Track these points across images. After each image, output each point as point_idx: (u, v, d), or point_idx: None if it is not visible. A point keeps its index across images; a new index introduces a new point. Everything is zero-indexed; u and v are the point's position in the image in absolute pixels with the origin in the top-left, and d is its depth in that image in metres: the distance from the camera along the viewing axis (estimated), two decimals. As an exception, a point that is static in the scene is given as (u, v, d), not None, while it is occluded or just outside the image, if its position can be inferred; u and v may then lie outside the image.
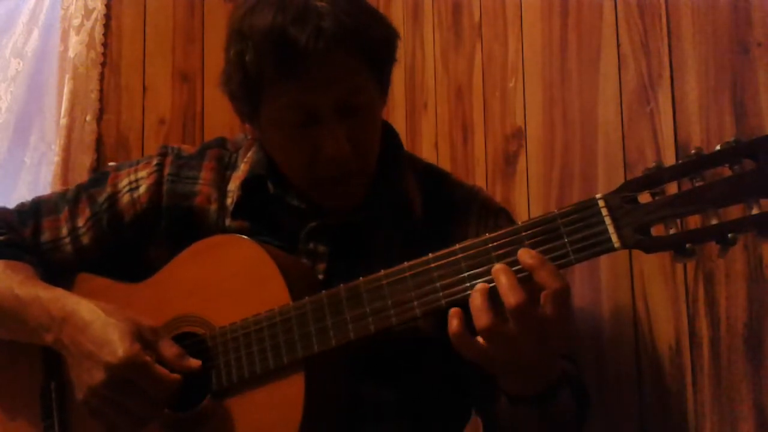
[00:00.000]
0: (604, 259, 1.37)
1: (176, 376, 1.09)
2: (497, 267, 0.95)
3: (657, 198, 0.91)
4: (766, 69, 1.10)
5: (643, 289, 1.29)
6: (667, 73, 1.25)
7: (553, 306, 0.92)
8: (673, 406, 1.23)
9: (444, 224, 1.01)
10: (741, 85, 1.13)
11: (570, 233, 0.94)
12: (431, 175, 1.30)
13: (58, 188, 2.03)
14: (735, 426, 1.13)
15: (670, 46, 1.25)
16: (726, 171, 0.88)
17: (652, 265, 1.27)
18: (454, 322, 0.94)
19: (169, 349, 1.11)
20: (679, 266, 1.22)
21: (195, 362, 1.10)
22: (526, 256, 0.94)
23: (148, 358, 1.08)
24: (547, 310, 0.92)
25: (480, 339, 0.94)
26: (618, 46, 1.35)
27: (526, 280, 0.94)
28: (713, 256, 1.17)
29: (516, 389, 1.01)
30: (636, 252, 1.29)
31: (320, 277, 1.16)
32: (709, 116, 1.18)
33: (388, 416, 1.15)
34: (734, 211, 0.88)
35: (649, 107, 1.28)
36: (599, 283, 1.38)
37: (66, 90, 2.21)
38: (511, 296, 0.92)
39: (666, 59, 1.25)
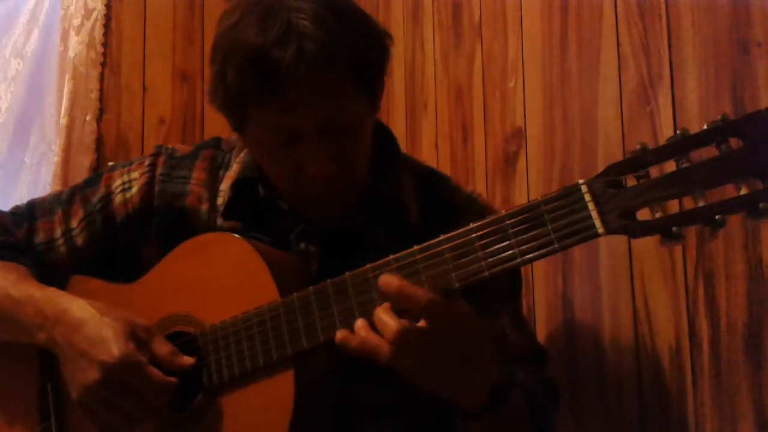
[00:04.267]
0: (604, 259, 1.37)
1: (171, 378, 1.09)
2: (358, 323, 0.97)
3: (642, 181, 0.89)
4: (766, 69, 1.10)
5: (643, 289, 1.29)
6: (667, 73, 1.25)
7: (428, 322, 0.93)
8: (673, 406, 1.23)
9: (441, 229, 1.00)
10: (741, 85, 1.13)
11: (553, 220, 0.93)
12: (431, 180, 1.29)
13: (58, 188, 2.03)
14: (735, 426, 1.13)
15: (670, 46, 1.25)
16: (713, 151, 0.86)
17: (652, 265, 1.27)
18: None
19: (162, 347, 1.10)
20: (679, 266, 1.22)
21: (188, 360, 1.10)
22: (383, 282, 0.95)
23: (142, 358, 1.08)
24: (424, 327, 0.94)
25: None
26: (618, 46, 1.35)
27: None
28: (713, 255, 1.17)
29: (463, 404, 1.02)
30: (636, 252, 1.30)
31: (312, 276, 1.16)
32: (709, 116, 1.18)
33: (384, 416, 1.15)
34: (726, 193, 0.87)
35: (649, 107, 1.28)
36: (599, 283, 1.38)
37: (66, 90, 2.21)
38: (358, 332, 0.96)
39: (666, 59, 1.25)
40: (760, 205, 0.83)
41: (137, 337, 1.10)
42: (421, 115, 2.00)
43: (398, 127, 2.04)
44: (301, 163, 1.10)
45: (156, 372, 1.08)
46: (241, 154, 1.25)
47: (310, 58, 1.03)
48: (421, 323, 0.94)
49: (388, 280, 0.94)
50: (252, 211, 1.21)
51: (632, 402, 1.30)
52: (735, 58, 1.14)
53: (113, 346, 1.07)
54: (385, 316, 0.95)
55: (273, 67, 1.03)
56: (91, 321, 1.10)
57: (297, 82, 1.04)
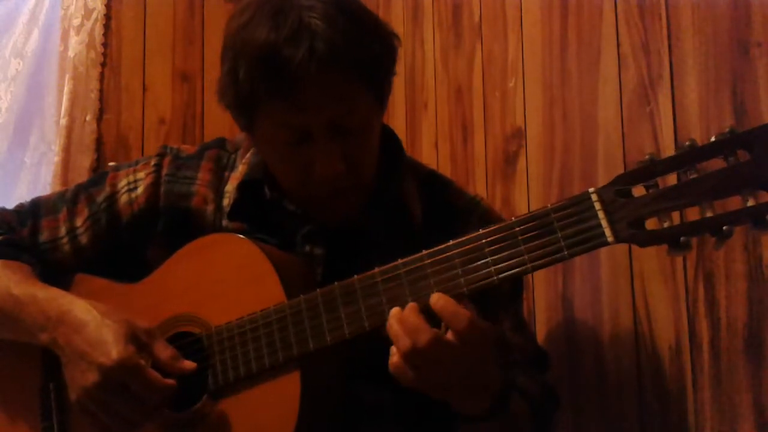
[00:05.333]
0: (604, 259, 1.37)
1: (170, 381, 1.09)
2: (393, 314, 0.98)
3: (651, 191, 0.90)
4: (766, 69, 1.10)
5: (643, 289, 1.29)
6: (667, 73, 1.25)
7: (459, 341, 0.95)
8: (673, 406, 1.23)
9: (444, 233, 1.01)
10: (741, 85, 1.13)
11: (563, 227, 0.94)
12: (434, 183, 1.29)
13: (58, 188, 2.02)
14: (735, 426, 1.13)
15: (670, 46, 1.25)
16: (721, 163, 0.87)
17: (652, 265, 1.27)
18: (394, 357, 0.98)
19: (163, 351, 1.10)
20: (679, 266, 1.22)
21: (189, 364, 1.10)
22: (434, 299, 0.97)
23: (141, 361, 1.08)
24: (454, 342, 0.96)
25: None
26: (618, 46, 1.35)
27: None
28: (713, 256, 1.17)
29: (464, 410, 1.04)
30: (636, 252, 1.30)
31: (318, 279, 1.16)
32: (709, 116, 1.18)
33: (387, 417, 1.15)
34: (731, 204, 0.87)
35: (649, 107, 1.28)
36: (599, 283, 1.38)
37: (66, 90, 2.21)
38: (398, 342, 0.96)
39: (666, 59, 1.25)
40: (767, 216, 0.84)
41: (138, 340, 1.10)
42: (421, 115, 2.00)
43: (398, 127, 2.04)
44: (310, 162, 1.11)
45: (154, 375, 1.08)
46: (247, 155, 1.26)
47: (322, 57, 1.04)
48: (449, 335, 0.96)
49: (438, 298, 0.97)
50: (257, 213, 1.21)
51: (632, 402, 1.30)
52: (735, 58, 1.14)
53: (112, 348, 1.07)
54: (417, 320, 0.96)
55: (284, 65, 1.04)
56: (92, 323, 1.10)
57: (308, 81, 1.05)
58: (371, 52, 1.10)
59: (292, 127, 1.09)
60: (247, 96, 1.09)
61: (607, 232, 0.92)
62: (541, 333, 1.51)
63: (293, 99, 1.07)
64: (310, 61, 1.03)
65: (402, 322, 0.97)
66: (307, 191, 1.15)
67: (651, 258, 1.27)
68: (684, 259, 1.21)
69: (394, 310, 0.98)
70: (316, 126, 1.09)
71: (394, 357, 0.97)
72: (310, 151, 1.10)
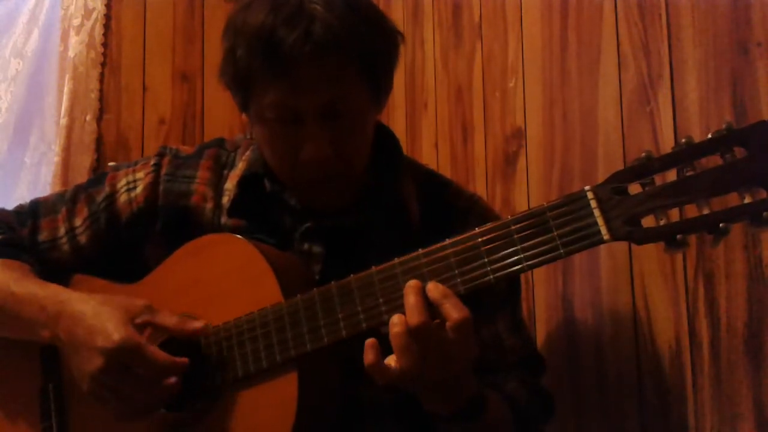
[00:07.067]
0: (604, 259, 1.37)
1: (180, 360, 1.08)
2: (410, 283, 0.98)
3: (647, 188, 0.90)
4: (766, 69, 1.10)
5: (643, 289, 1.29)
6: (667, 73, 1.25)
7: (454, 334, 0.96)
8: (673, 406, 1.23)
9: (442, 233, 1.01)
10: (741, 85, 1.13)
11: (559, 226, 0.94)
12: (433, 183, 1.29)
13: (58, 188, 2.03)
14: (735, 426, 1.13)
15: (670, 46, 1.25)
16: (718, 160, 0.87)
17: (652, 265, 1.27)
18: (369, 355, 0.98)
19: (168, 319, 1.11)
20: (679, 266, 1.22)
21: (197, 323, 1.10)
22: (432, 289, 0.97)
23: (142, 340, 1.08)
24: (448, 336, 0.96)
25: (390, 361, 0.98)
26: (618, 46, 1.35)
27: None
28: (713, 256, 1.17)
29: (433, 408, 1.04)
30: (636, 252, 1.30)
31: (315, 278, 1.16)
32: (709, 116, 1.18)
33: (386, 416, 1.15)
34: (729, 201, 0.87)
35: (649, 107, 1.28)
36: (599, 283, 1.38)
37: (66, 90, 2.21)
38: (413, 316, 0.96)
39: (666, 59, 1.25)
40: (764, 214, 0.84)
41: (137, 322, 1.10)
42: (421, 115, 2.00)
43: (398, 127, 2.04)
44: (299, 145, 1.12)
45: (158, 352, 1.08)
46: (246, 153, 1.26)
47: (317, 40, 1.05)
48: (448, 334, 0.96)
49: (437, 286, 0.97)
50: (257, 209, 1.21)
51: (632, 402, 1.30)
52: (735, 58, 1.14)
53: (113, 332, 1.07)
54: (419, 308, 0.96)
55: (279, 46, 1.06)
56: (91, 312, 1.11)
57: (302, 63, 1.06)
58: (369, 43, 1.11)
59: (284, 108, 1.11)
60: (244, 74, 1.11)
61: (603, 230, 0.91)
62: (541, 333, 1.51)
63: (287, 79, 1.08)
64: (305, 43, 1.05)
65: (420, 294, 0.97)
66: (297, 174, 1.15)
67: (651, 258, 1.27)
68: (684, 259, 1.21)
69: (413, 282, 0.98)
70: (308, 108, 1.10)
71: (398, 327, 0.96)
72: (300, 133, 1.11)
